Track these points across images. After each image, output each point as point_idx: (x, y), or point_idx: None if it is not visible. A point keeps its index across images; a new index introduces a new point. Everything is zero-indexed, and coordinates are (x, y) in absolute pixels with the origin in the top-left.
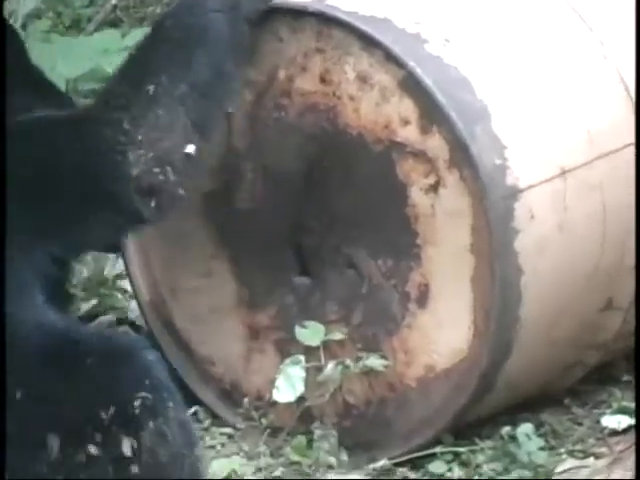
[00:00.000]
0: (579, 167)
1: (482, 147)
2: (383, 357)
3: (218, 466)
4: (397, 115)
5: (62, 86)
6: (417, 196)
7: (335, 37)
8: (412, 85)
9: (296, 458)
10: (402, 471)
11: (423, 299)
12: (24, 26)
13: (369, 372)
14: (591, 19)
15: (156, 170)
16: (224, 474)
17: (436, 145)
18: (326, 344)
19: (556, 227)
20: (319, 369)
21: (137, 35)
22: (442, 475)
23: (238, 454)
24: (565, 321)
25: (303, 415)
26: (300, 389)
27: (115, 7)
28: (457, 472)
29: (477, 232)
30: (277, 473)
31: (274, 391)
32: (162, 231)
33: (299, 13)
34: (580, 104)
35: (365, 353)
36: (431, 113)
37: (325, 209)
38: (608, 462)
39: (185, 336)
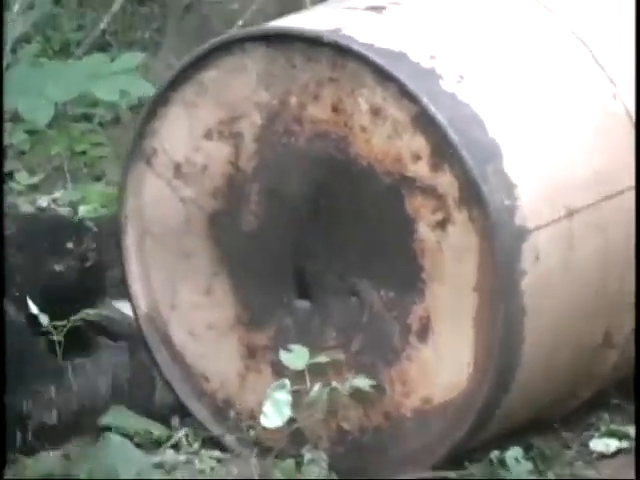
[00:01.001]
0: (586, 208)
1: (492, 186)
2: (369, 378)
3: None
4: (408, 150)
5: (51, 110)
6: (424, 231)
7: (350, 69)
8: (425, 122)
9: None
10: None
11: (424, 333)
12: (13, 50)
13: (364, 400)
14: (603, 57)
15: None
16: None
17: (446, 182)
18: (323, 370)
19: (561, 267)
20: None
21: (126, 59)
22: None
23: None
24: (563, 357)
25: (295, 437)
26: (287, 413)
27: (104, 31)
28: None
29: (483, 271)
30: None
31: (261, 417)
32: (164, 247)
33: (314, 42)
34: (588, 144)
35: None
36: (443, 150)
37: (330, 236)
38: None
39: (181, 351)
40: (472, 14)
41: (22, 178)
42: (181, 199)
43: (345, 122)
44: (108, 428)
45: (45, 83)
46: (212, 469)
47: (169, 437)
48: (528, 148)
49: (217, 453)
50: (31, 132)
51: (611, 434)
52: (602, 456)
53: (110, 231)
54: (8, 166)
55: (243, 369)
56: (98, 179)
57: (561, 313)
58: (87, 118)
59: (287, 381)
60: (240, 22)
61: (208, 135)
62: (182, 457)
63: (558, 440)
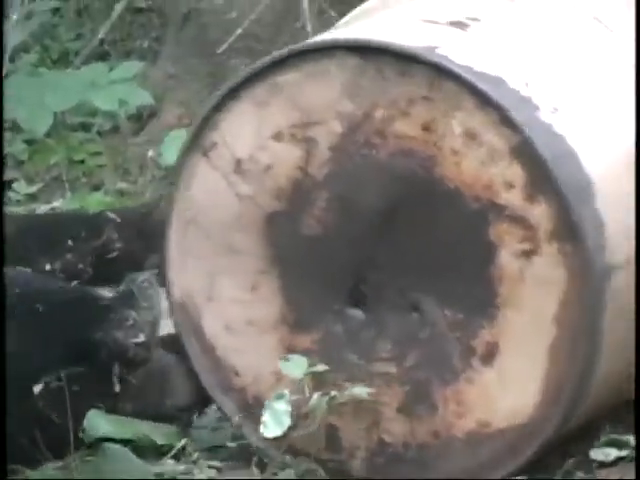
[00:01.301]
0: None
1: (588, 224)
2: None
3: None
4: (502, 178)
5: (50, 119)
6: (506, 259)
7: (447, 89)
8: (525, 152)
9: None
10: None
11: (489, 357)
12: (12, 59)
13: (412, 416)
14: None
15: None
16: None
17: (540, 214)
18: (372, 381)
19: (633, 304)
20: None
21: (124, 68)
22: None
23: None
24: (619, 386)
25: (331, 444)
26: (287, 423)
27: (102, 41)
28: None
29: (566, 305)
30: None
31: (261, 427)
32: (208, 238)
33: (410, 58)
34: None
35: (350, 383)
36: (540, 183)
37: (399, 251)
38: None
39: (212, 343)
40: (552, 35)
41: (21, 187)
42: (237, 194)
43: (435, 142)
44: (107, 438)
45: (44, 92)
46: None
47: (170, 445)
48: (614, 185)
49: (216, 463)
50: (30, 141)
51: (611, 443)
52: (602, 465)
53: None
54: (7, 175)
55: (280, 368)
56: (97, 188)
57: (627, 348)
58: (85, 127)
59: (286, 391)
60: (238, 31)
61: (278, 136)
62: (182, 467)
63: (558, 449)
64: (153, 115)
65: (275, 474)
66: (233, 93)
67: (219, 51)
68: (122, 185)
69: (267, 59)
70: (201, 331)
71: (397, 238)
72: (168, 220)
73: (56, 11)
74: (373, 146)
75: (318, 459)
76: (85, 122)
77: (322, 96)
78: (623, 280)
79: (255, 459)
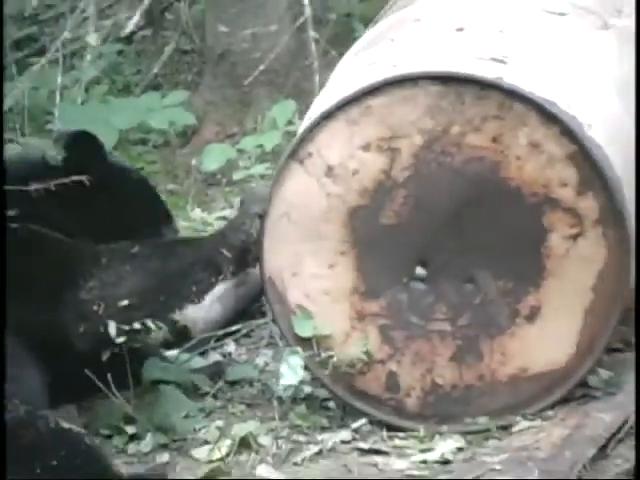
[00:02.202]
0: None
1: (626, 213)
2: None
3: (238, 429)
4: (557, 178)
5: (116, 136)
6: (555, 240)
7: (515, 109)
8: (580, 158)
9: (299, 421)
10: (380, 433)
11: (532, 317)
12: (87, 90)
13: (462, 363)
14: None
15: None
16: (242, 434)
17: (588, 206)
18: (428, 337)
19: None
20: (323, 362)
21: (173, 96)
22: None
23: (254, 419)
24: None
25: (390, 384)
26: (300, 374)
27: (156, 75)
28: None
29: (603, 277)
30: (283, 433)
31: (280, 377)
32: (298, 228)
33: (486, 85)
34: None
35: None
36: (591, 182)
37: (463, 237)
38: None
39: (294, 308)
40: (576, 64)
41: None
42: (327, 194)
43: (502, 150)
44: (160, 381)
45: (111, 115)
46: (242, 412)
47: (209, 387)
48: (630, 182)
49: (247, 400)
50: None
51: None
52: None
53: None
54: None
55: (349, 329)
56: None
57: None
58: (143, 142)
59: (299, 348)
60: (261, 67)
61: (366, 147)
62: (218, 403)
63: None
64: (196, 132)
65: (292, 408)
66: (329, 114)
67: (246, 83)
68: (171, 186)
69: (361, 86)
70: (285, 299)
71: (462, 227)
72: (265, 214)
73: (120, 52)
74: (449, 155)
75: (379, 398)
76: (143, 138)
77: (407, 115)
78: None
79: (275, 398)
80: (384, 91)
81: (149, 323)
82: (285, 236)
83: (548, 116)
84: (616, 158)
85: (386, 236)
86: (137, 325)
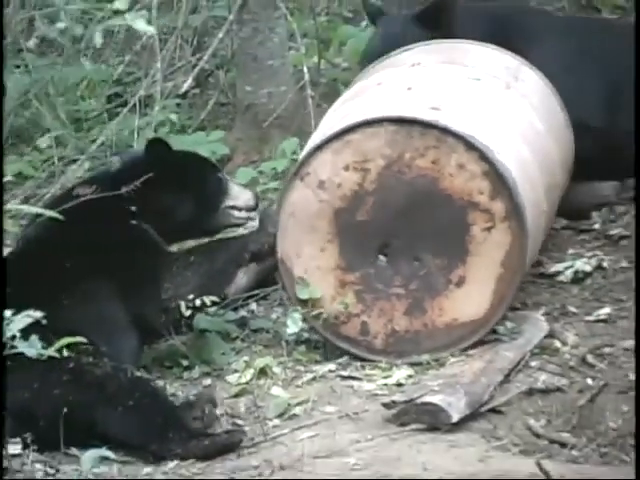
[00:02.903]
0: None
1: (525, 213)
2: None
3: (258, 362)
4: (477, 188)
5: None
6: (476, 231)
7: (448, 141)
8: (492, 174)
9: (300, 357)
10: (355, 365)
11: (460, 283)
12: (155, 130)
13: (412, 316)
14: None
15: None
16: (261, 365)
17: (498, 208)
18: (389, 298)
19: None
20: (316, 316)
21: (214, 134)
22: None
23: (269, 355)
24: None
25: (362, 329)
26: (300, 324)
27: (203, 120)
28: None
29: (508, 256)
30: (289, 365)
31: (287, 327)
32: (300, 224)
33: (427, 125)
34: None
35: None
36: (500, 191)
37: (412, 227)
38: (474, 358)
39: (297, 279)
40: (489, 108)
41: None
42: (320, 200)
43: (439, 170)
44: (205, 329)
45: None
46: (261, 350)
47: (238, 334)
48: (525, 194)
49: (265, 342)
50: None
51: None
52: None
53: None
54: None
55: (334, 293)
56: None
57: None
58: None
59: (299, 308)
60: (274, 115)
61: (346, 168)
62: (245, 344)
63: None
64: (229, 160)
65: (296, 348)
66: (320, 146)
67: (264, 126)
68: None
69: (342, 127)
70: (292, 274)
71: (411, 221)
72: (280, 215)
73: (178, 105)
74: (403, 173)
75: (355, 340)
76: None
77: (373, 145)
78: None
79: (284, 341)
80: (358, 130)
81: (205, 299)
82: (291, 229)
83: (470, 146)
84: (516, 173)
85: (360, 229)
86: (198, 302)
